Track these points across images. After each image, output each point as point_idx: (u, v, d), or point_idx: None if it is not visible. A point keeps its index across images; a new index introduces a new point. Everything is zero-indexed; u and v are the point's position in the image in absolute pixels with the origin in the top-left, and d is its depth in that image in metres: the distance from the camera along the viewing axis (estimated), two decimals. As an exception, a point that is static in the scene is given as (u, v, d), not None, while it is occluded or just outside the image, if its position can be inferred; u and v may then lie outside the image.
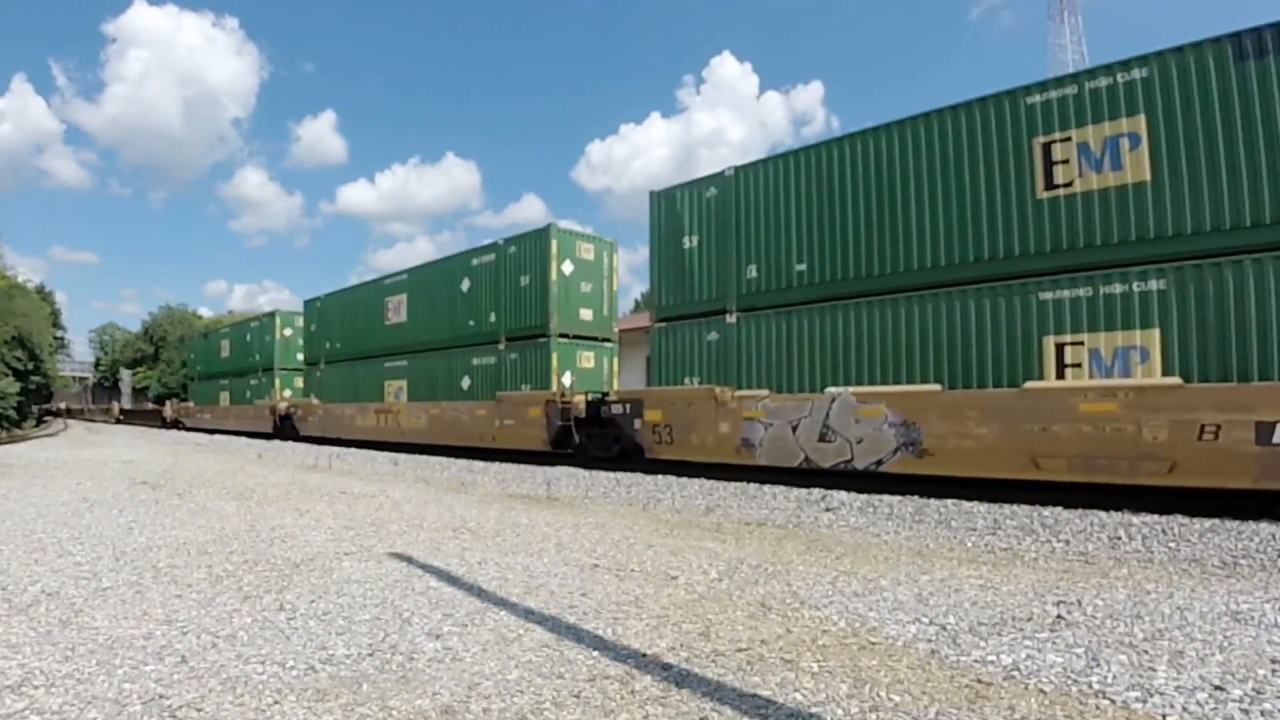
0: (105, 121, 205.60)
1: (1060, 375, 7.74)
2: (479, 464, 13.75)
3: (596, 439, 12.76)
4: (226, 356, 30.81)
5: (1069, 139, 7.84)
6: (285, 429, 23.64)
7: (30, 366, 37.08)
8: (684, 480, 10.30)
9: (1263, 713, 2.49)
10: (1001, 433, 7.88)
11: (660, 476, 10.76)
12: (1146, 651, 3.14)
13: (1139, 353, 7.31)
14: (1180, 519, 6.42)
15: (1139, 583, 4.58)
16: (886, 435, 8.71)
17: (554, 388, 13.85)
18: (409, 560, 5.10)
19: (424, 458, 15.37)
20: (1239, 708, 2.53)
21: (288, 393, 25.32)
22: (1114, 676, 2.84)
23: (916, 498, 8.08)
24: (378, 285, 19.87)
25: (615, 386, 15.17)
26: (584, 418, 12.99)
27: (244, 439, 24.86)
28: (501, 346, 15.23)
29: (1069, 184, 7.85)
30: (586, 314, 15.04)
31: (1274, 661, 3.00)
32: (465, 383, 16.02)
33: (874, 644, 3.31)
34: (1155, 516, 6.57)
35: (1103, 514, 6.82)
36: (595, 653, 3.19)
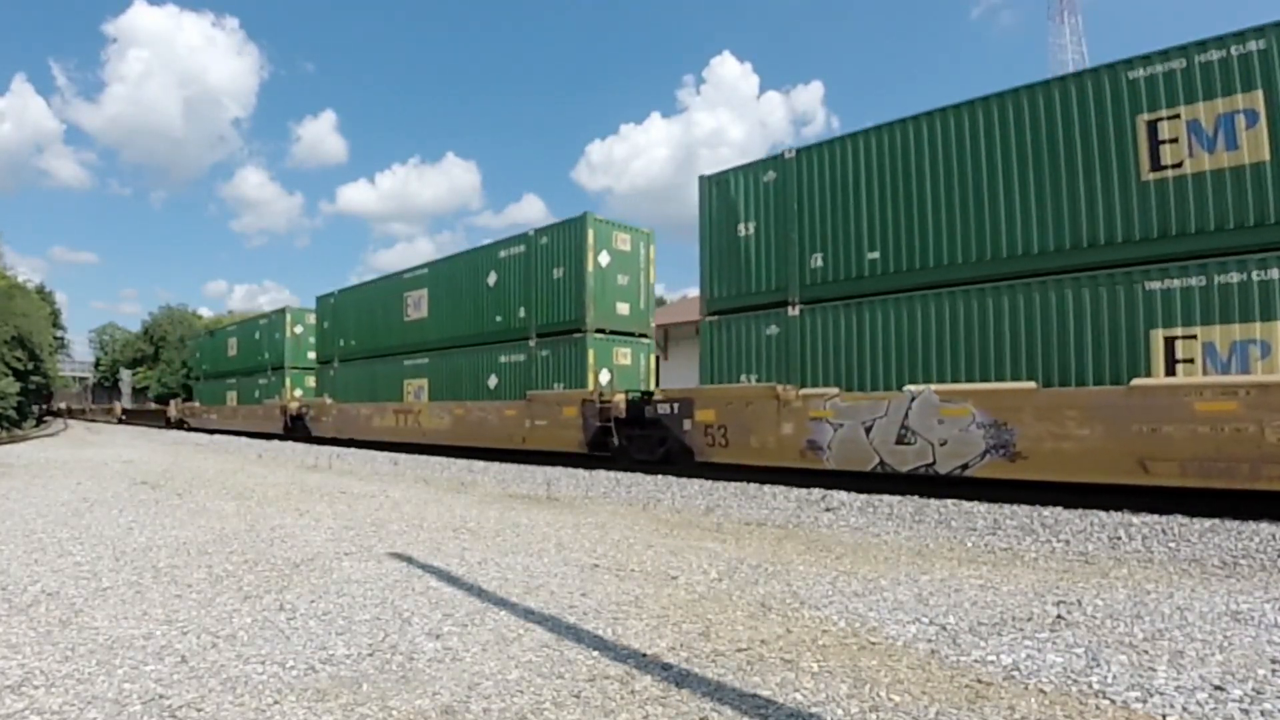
0: (105, 121, 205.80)
1: (1170, 371, 7.16)
2: (479, 464, 13.75)
3: (639, 441, 12.04)
4: (234, 355, 30.14)
5: (1177, 116, 7.25)
6: (297, 429, 23.10)
7: (30, 366, 37.05)
8: (684, 480, 10.30)
9: (1263, 713, 2.49)
10: (1106, 434, 7.27)
11: (660, 476, 10.74)
12: (1146, 651, 3.14)
13: (1259, 347, 6.77)
14: (1180, 519, 6.42)
15: (1139, 583, 4.58)
16: (974, 437, 8.04)
17: (590, 386, 13.17)
18: (409, 560, 5.10)
19: (423, 458, 15.35)
20: (1239, 708, 2.53)
21: (298, 392, 24.71)
22: (1114, 676, 2.84)
23: (916, 498, 8.08)
24: (396, 280, 19.12)
25: (652, 385, 14.47)
26: (625, 418, 12.28)
27: (244, 439, 24.85)
28: (532, 343, 14.53)
29: (1178, 165, 7.26)
30: (623, 308, 14.24)
31: (1274, 661, 3.00)
32: (492, 381, 15.37)
33: (874, 644, 3.31)
34: (1155, 516, 6.57)
35: (1103, 514, 6.82)
36: (595, 653, 3.19)
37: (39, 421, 46.60)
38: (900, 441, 8.62)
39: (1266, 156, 6.87)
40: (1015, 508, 7.32)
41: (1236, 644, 3.22)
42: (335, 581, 4.49)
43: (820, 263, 9.91)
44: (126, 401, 68.02)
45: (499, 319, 15.40)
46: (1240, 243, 6.96)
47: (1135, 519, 6.53)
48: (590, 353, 13.45)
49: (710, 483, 9.90)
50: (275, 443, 22.17)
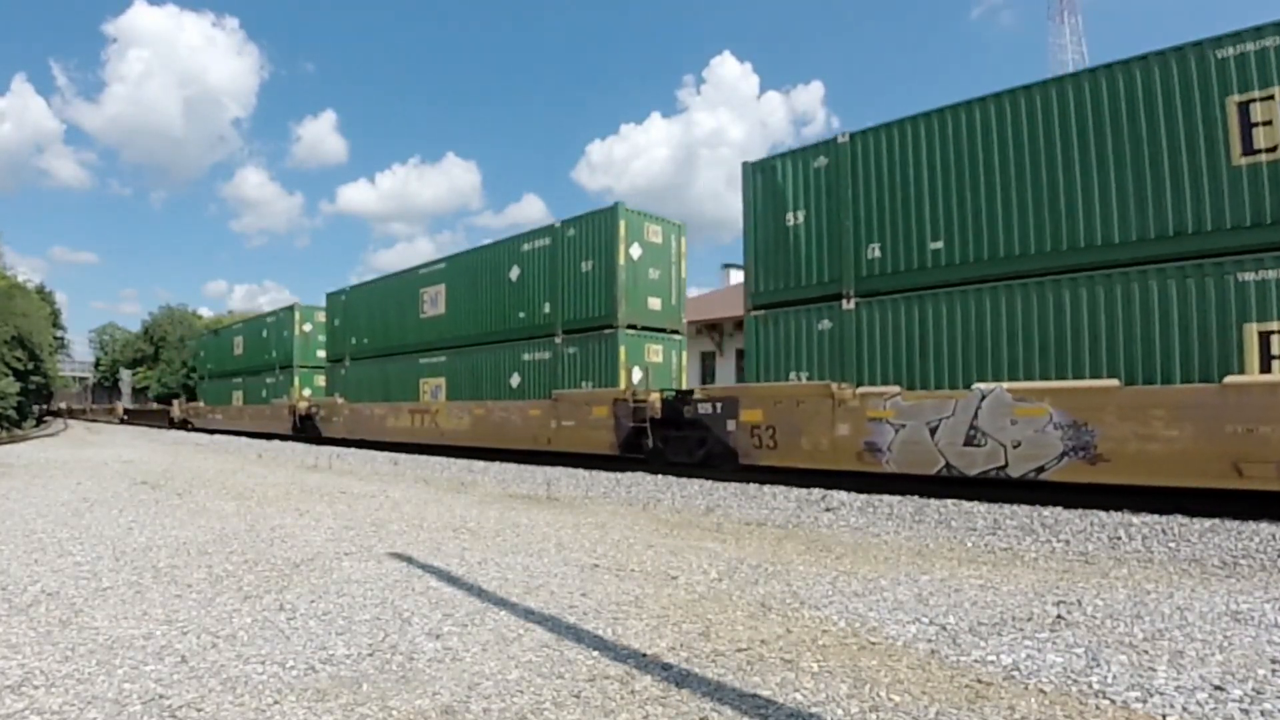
0: (105, 121, 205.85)
1: (1266, 368, 6.76)
2: (479, 464, 13.74)
3: (676, 442, 11.44)
4: (240, 354, 29.31)
5: (1271, 98, 6.83)
6: (306, 430, 22.47)
7: (30, 366, 37.04)
8: (684, 480, 10.30)
9: (1263, 713, 2.49)
10: (1196, 435, 6.83)
11: (660, 476, 10.74)
12: (1146, 651, 3.14)
13: None
14: (1180, 519, 6.42)
15: (1139, 583, 4.58)
16: (1050, 438, 7.55)
17: (622, 385, 12.54)
18: (409, 560, 5.10)
19: (423, 458, 15.35)
20: (1239, 708, 2.53)
21: (307, 391, 24.04)
22: (1114, 676, 2.85)
23: (916, 498, 8.08)
24: (411, 275, 18.51)
25: (684, 383, 13.93)
26: (661, 418, 11.68)
27: (244, 439, 24.84)
28: (558, 340, 13.90)
29: (1272, 149, 6.84)
30: (655, 303, 13.60)
31: (1274, 661, 3.00)
32: (514, 380, 14.78)
33: (874, 644, 3.31)
34: (1155, 516, 6.57)
35: (1103, 514, 6.82)
36: (595, 653, 3.19)
37: (39, 421, 46.59)
38: (969, 443, 8.09)
39: None
40: (1015, 508, 7.32)
41: (1236, 644, 3.23)
42: (335, 581, 4.49)
43: (877, 253, 9.34)
44: (127, 401, 67.99)
45: (522, 315, 14.83)
46: None
47: (1135, 519, 6.53)
48: (622, 350, 12.81)
49: (710, 483, 9.90)
50: (275, 443, 22.14)
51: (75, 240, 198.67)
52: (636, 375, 12.73)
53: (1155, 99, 7.46)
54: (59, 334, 54.62)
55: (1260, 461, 6.53)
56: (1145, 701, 2.61)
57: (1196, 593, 4.25)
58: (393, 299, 19.00)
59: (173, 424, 37.86)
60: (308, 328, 24.97)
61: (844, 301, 9.60)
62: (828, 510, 7.72)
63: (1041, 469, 7.65)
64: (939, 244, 8.82)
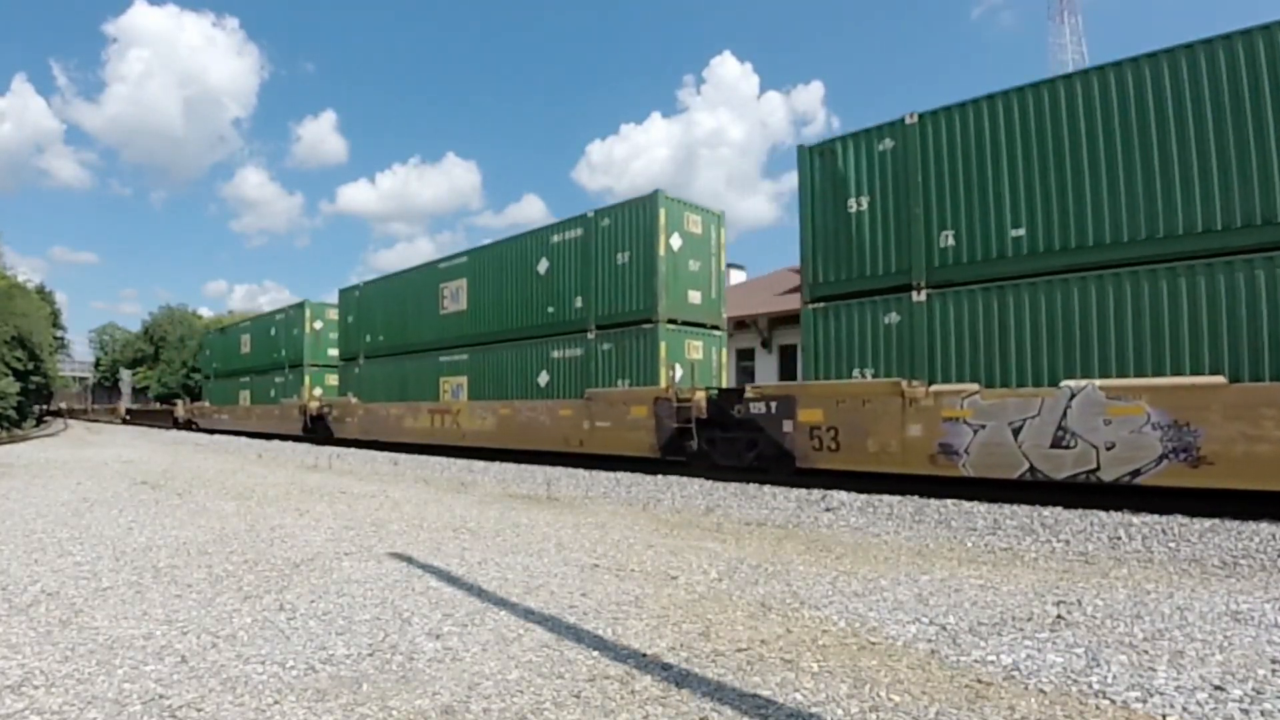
0: (106, 121, 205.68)
1: None
2: (479, 464, 13.74)
3: (724, 444, 10.76)
4: (247, 352, 28.55)
5: None
6: (317, 430, 21.72)
7: (30, 366, 37.04)
8: (684, 480, 10.30)
9: (1263, 713, 2.50)
10: None
11: (660, 476, 10.73)
12: (1146, 651, 3.14)
13: None
14: (1180, 519, 6.42)
15: (1139, 583, 4.58)
16: (1148, 439, 7.02)
17: (662, 383, 11.84)
18: (409, 560, 5.10)
19: (423, 458, 15.34)
20: (1239, 708, 2.53)
21: (318, 391, 23.33)
22: (1114, 676, 2.85)
23: (916, 498, 8.08)
24: (430, 269, 17.82)
25: (724, 381, 13.29)
26: (706, 418, 11.00)
27: (244, 439, 24.84)
28: (591, 335, 13.17)
29: None
30: (695, 296, 12.86)
31: (1274, 661, 3.00)
32: (543, 378, 14.07)
33: (874, 644, 3.31)
34: (1155, 516, 6.57)
35: (1103, 514, 6.82)
36: (595, 653, 3.19)
37: (39, 421, 46.59)
38: (1057, 445, 7.53)
39: None
40: (1015, 508, 7.32)
41: (1236, 644, 3.23)
42: (335, 581, 4.50)
43: (951, 241, 8.72)
44: (128, 401, 67.90)
45: (551, 310, 14.11)
46: None
47: (1135, 519, 6.53)
48: (662, 346, 12.05)
49: (710, 483, 9.90)
50: (275, 443, 22.12)
51: (75, 240, 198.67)
52: (677, 373, 12.09)
53: (1259, 71, 6.89)
54: (59, 334, 54.62)
55: None
56: (1145, 701, 2.61)
57: (1196, 593, 4.25)
58: (410, 295, 18.30)
59: (177, 424, 37.31)
60: (318, 325, 24.29)
61: (914, 293, 8.97)
62: (828, 510, 7.72)
63: (1137, 472, 7.13)
64: (1020, 231, 8.23)
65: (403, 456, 15.73)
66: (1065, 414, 7.52)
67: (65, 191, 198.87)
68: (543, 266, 14.40)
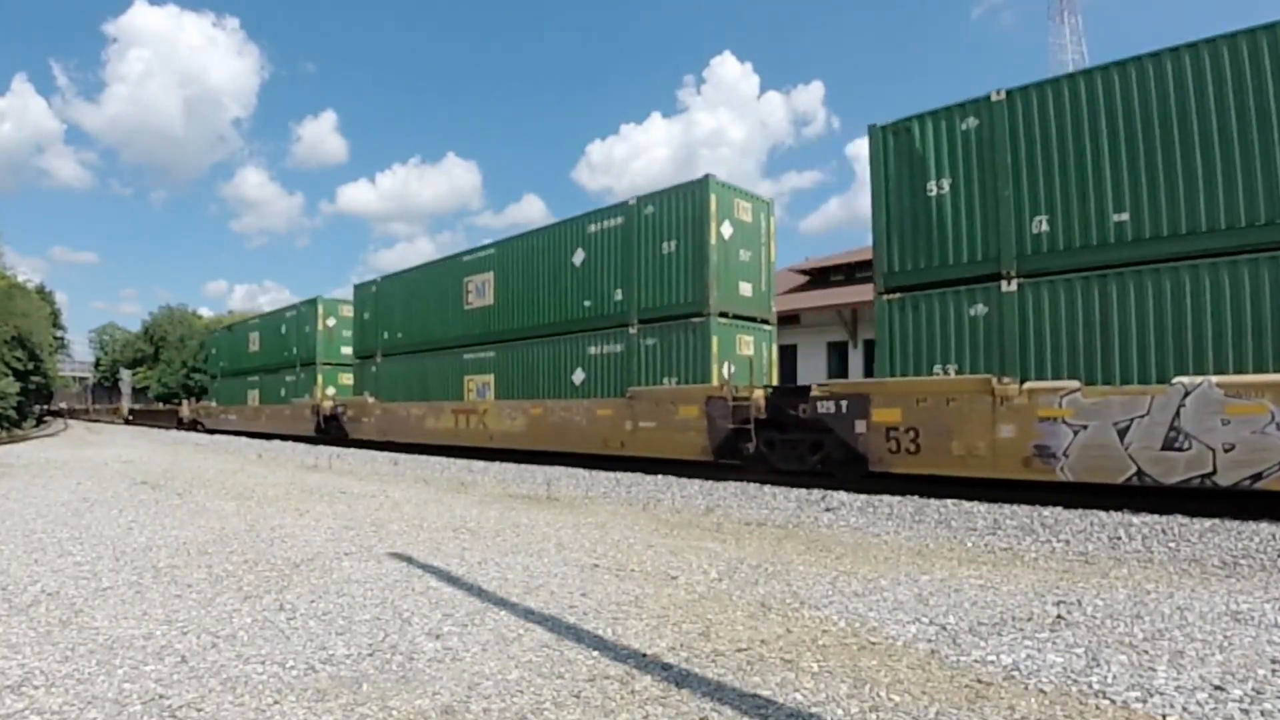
0: (106, 121, 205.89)
1: None
2: (479, 464, 13.74)
3: (785, 446, 10.15)
4: (256, 351, 27.64)
5: None
6: (330, 431, 21.00)
7: (30, 366, 37.05)
8: (684, 480, 10.30)
9: (1263, 713, 2.50)
10: None
11: (660, 476, 10.72)
12: (1146, 651, 3.14)
13: None
14: (1180, 519, 6.42)
15: (1139, 583, 4.58)
16: (1273, 441, 6.55)
17: (714, 380, 11.16)
18: (409, 560, 5.11)
19: (424, 458, 15.33)
20: (1239, 708, 2.53)
21: (331, 390, 22.58)
22: (1114, 676, 2.85)
23: (916, 498, 8.08)
24: (453, 262, 17.00)
25: (774, 378, 12.62)
26: (765, 418, 10.35)
27: (244, 439, 24.83)
28: (632, 330, 12.38)
29: None
30: (746, 288, 12.10)
31: (1274, 661, 3.00)
32: (578, 376, 13.30)
33: (874, 644, 3.31)
34: (1155, 516, 6.57)
35: (1103, 514, 6.82)
36: (595, 653, 3.19)
37: (39, 421, 46.59)
38: (1168, 447, 6.96)
39: None
40: (1015, 508, 7.32)
41: (1236, 644, 3.23)
42: (335, 581, 4.50)
43: (1045, 227, 8.11)
44: (128, 401, 67.82)
45: (587, 304, 13.32)
46: None
47: (1135, 519, 6.53)
48: (714, 340, 11.32)
49: (710, 483, 9.89)
50: (275, 443, 22.10)
51: (75, 240, 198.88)
52: (728, 370, 11.38)
53: None
54: (59, 334, 54.61)
55: None
56: (1145, 701, 2.61)
57: (1196, 593, 4.25)
58: (432, 289, 17.53)
59: (182, 425, 36.57)
60: (331, 322, 23.43)
61: (1003, 282, 8.31)
62: (828, 510, 7.72)
63: (1259, 476, 6.63)
64: (1124, 215, 7.64)
65: (403, 457, 15.71)
66: (1178, 413, 6.95)
67: (65, 191, 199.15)
68: (578, 258, 13.56)
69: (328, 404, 21.68)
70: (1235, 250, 7.05)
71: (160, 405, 57.50)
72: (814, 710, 2.58)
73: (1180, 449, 6.92)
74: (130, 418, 52.71)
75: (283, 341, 25.43)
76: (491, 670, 2.98)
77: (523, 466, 12.89)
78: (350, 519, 7.02)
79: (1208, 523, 6.27)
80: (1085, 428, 7.43)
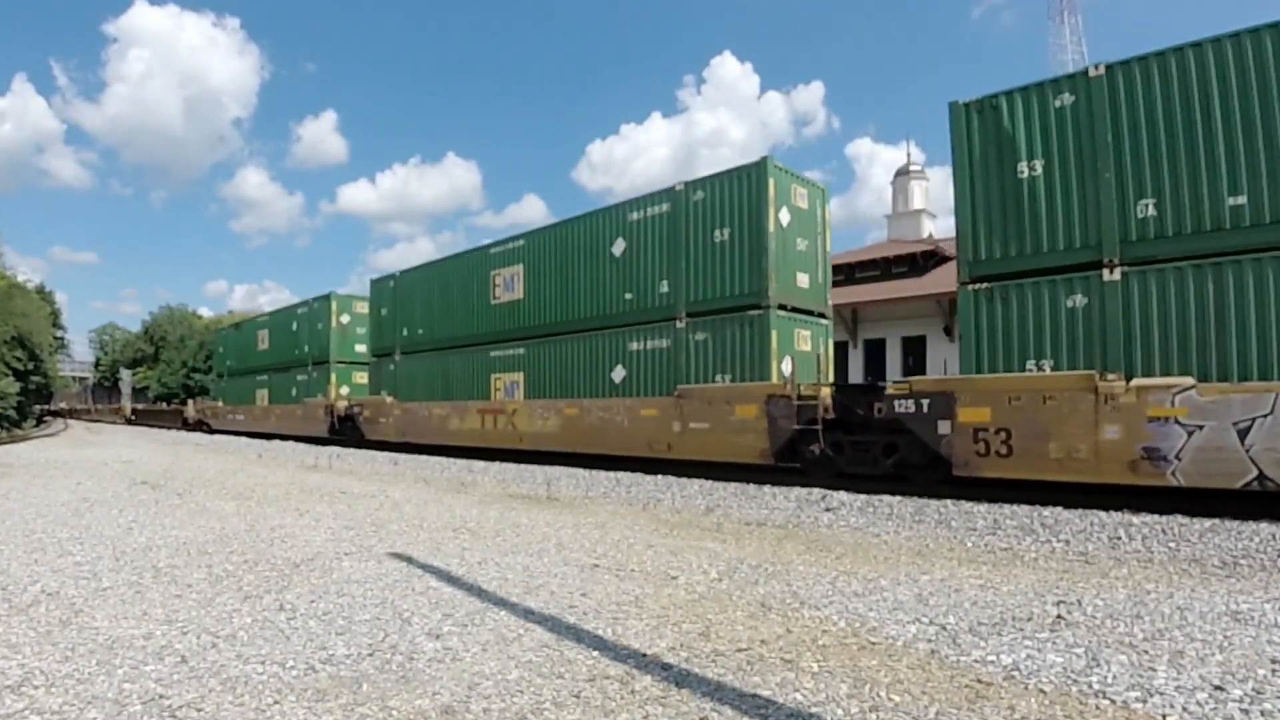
0: (106, 121, 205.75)
1: None
2: (479, 464, 13.73)
3: (856, 449, 9.50)
4: (265, 349, 26.74)
5: None
6: (345, 432, 20.23)
7: (30, 366, 37.06)
8: (684, 480, 10.30)
9: (1263, 713, 2.50)
10: None
11: (660, 476, 10.72)
12: (1146, 651, 3.14)
13: None
14: (1180, 519, 6.43)
15: (1139, 583, 4.58)
16: None
17: (774, 377, 10.50)
18: (409, 560, 5.11)
19: (423, 458, 15.32)
20: (1239, 708, 2.53)
21: (345, 390, 21.86)
22: (1114, 676, 2.85)
23: (917, 498, 8.08)
24: (479, 255, 16.20)
25: (832, 375, 11.94)
26: (834, 418, 9.70)
27: (244, 439, 24.82)
28: (680, 324, 11.66)
29: None
30: (803, 279, 11.38)
31: (1274, 661, 3.00)
32: (618, 374, 12.51)
33: (874, 644, 3.31)
34: (1155, 516, 6.57)
35: (1103, 514, 6.82)
36: (595, 653, 3.19)
37: (39, 421, 46.59)
38: None
39: None
40: (1015, 508, 7.32)
41: (1236, 644, 3.23)
42: (335, 581, 4.50)
43: (1151, 211, 7.56)
44: (128, 401, 67.75)
45: (628, 297, 12.53)
46: None
47: (1135, 519, 6.53)
48: (774, 335, 10.62)
49: (710, 483, 9.89)
50: (276, 443, 22.08)
51: (75, 240, 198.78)
52: (786, 366, 10.67)
53: None
54: (59, 334, 54.59)
55: None
56: (1145, 701, 2.61)
57: (1196, 593, 4.25)
58: (455, 283, 16.72)
59: (187, 425, 35.45)
60: (345, 319, 22.55)
61: (1105, 271, 7.73)
62: (828, 510, 7.72)
63: None
64: (1241, 199, 7.10)
65: (403, 457, 15.70)
66: None
67: (65, 191, 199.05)
68: (618, 248, 12.75)
69: (342, 404, 20.99)
70: None
71: (164, 405, 57.04)
72: (814, 710, 2.58)
73: None
74: (133, 418, 52.01)
75: (294, 339, 24.63)
76: (491, 670, 2.98)
77: (523, 467, 12.87)
78: (350, 519, 7.02)
79: (1208, 523, 6.27)
80: (1201, 428, 6.86)
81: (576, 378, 13.38)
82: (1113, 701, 2.62)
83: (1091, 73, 7.99)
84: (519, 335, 14.83)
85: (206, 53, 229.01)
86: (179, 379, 63.50)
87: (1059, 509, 7.13)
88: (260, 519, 7.01)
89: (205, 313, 79.23)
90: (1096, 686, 2.76)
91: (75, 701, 2.69)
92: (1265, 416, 6.59)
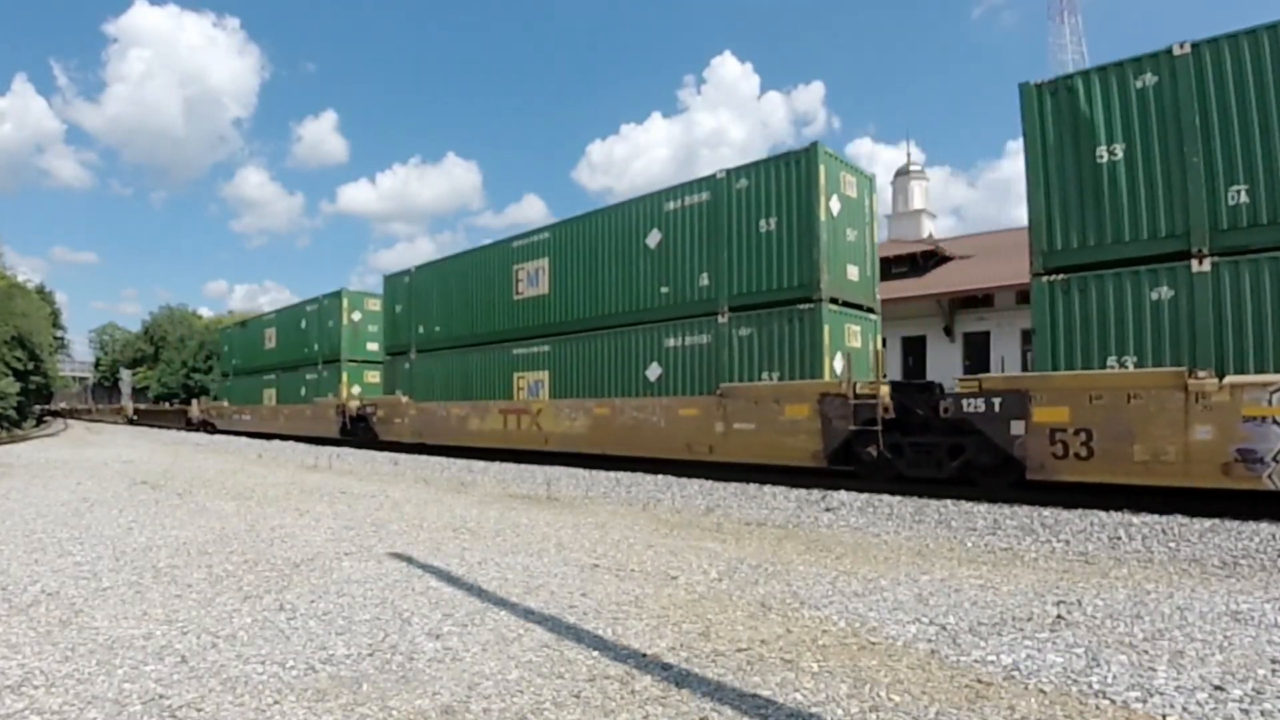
0: (106, 121, 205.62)
1: None
2: (479, 464, 13.73)
3: (919, 450, 9.01)
4: (272, 347, 26.15)
5: None
6: (357, 433, 19.70)
7: (30, 366, 37.07)
8: (684, 480, 10.29)
9: (1263, 713, 2.50)
10: None
11: (660, 476, 10.72)
12: (1146, 651, 3.14)
13: None
14: (1180, 519, 6.43)
15: (1139, 583, 4.58)
16: None
17: (825, 375, 9.95)
18: (409, 560, 5.11)
19: (424, 458, 15.31)
20: (1239, 708, 2.53)
21: (356, 389, 21.30)
22: (1114, 676, 2.85)
23: (916, 498, 8.08)
24: (501, 249, 15.56)
25: (882, 373, 11.28)
26: (893, 418, 9.17)
27: (244, 439, 24.82)
28: (722, 319, 11.08)
29: None
30: (853, 272, 10.87)
31: (1274, 661, 3.00)
32: (652, 371, 11.92)
33: (874, 644, 3.31)
34: (1155, 516, 6.57)
35: (1103, 514, 6.82)
36: (595, 653, 3.19)
37: (39, 421, 46.59)
38: None
39: None
40: (1015, 508, 7.32)
41: (1236, 644, 3.23)
42: (335, 581, 4.50)
43: (1245, 197, 7.14)
44: (128, 400, 67.71)
45: (665, 290, 11.96)
46: None
47: (1135, 519, 6.53)
48: (826, 330, 10.06)
49: (710, 483, 9.89)
50: (275, 443, 22.08)
51: (75, 240, 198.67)
52: (839, 364, 10.20)
53: None
54: (59, 334, 54.61)
55: None
56: (1145, 701, 2.61)
57: (1196, 593, 4.25)
58: (475, 279, 16.17)
59: (190, 425, 34.75)
60: (357, 316, 21.99)
61: (1194, 261, 7.30)
62: (828, 510, 7.72)
63: None
64: None
65: (403, 457, 15.70)
66: None
67: (65, 191, 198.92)
68: (653, 239, 12.16)
69: (354, 403, 20.39)
70: None
71: (166, 405, 56.71)
72: (814, 710, 2.58)
73: None
74: (135, 418, 51.28)
75: (303, 337, 23.98)
76: (491, 670, 2.98)
77: (523, 466, 12.87)
78: (350, 519, 7.02)
79: (1208, 523, 6.27)
80: None
81: (607, 376, 12.81)
82: (1113, 701, 2.62)
83: (1176, 51, 7.58)
84: (544, 332, 14.29)
85: (207, 53, 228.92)
86: (179, 379, 63.51)
87: (1059, 509, 7.13)
88: (260, 519, 7.01)
89: (205, 313, 79.35)
90: (1096, 686, 2.76)
91: (75, 701, 2.69)
92: None
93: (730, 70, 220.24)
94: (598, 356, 13.01)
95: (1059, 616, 3.71)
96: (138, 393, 71.96)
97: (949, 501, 7.75)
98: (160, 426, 41.31)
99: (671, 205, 12.00)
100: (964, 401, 8.31)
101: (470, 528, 6.55)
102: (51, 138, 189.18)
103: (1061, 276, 8.08)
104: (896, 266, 26.38)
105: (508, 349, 15.05)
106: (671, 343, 11.78)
